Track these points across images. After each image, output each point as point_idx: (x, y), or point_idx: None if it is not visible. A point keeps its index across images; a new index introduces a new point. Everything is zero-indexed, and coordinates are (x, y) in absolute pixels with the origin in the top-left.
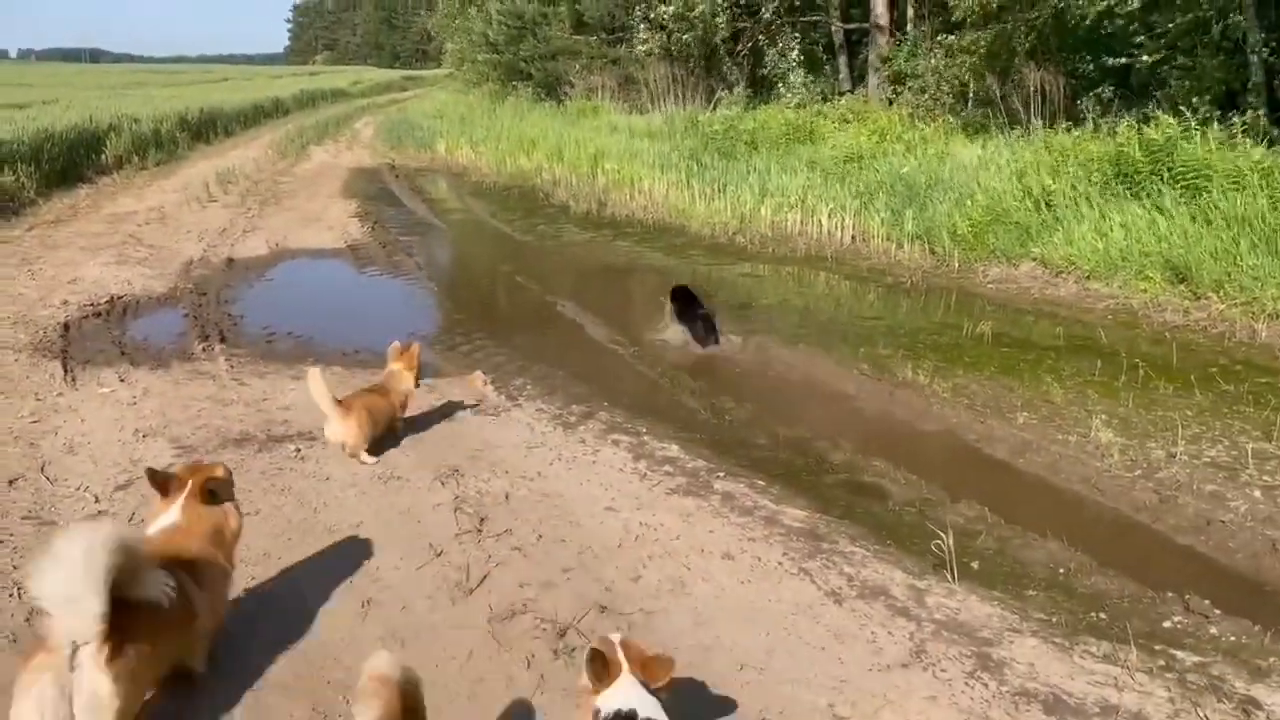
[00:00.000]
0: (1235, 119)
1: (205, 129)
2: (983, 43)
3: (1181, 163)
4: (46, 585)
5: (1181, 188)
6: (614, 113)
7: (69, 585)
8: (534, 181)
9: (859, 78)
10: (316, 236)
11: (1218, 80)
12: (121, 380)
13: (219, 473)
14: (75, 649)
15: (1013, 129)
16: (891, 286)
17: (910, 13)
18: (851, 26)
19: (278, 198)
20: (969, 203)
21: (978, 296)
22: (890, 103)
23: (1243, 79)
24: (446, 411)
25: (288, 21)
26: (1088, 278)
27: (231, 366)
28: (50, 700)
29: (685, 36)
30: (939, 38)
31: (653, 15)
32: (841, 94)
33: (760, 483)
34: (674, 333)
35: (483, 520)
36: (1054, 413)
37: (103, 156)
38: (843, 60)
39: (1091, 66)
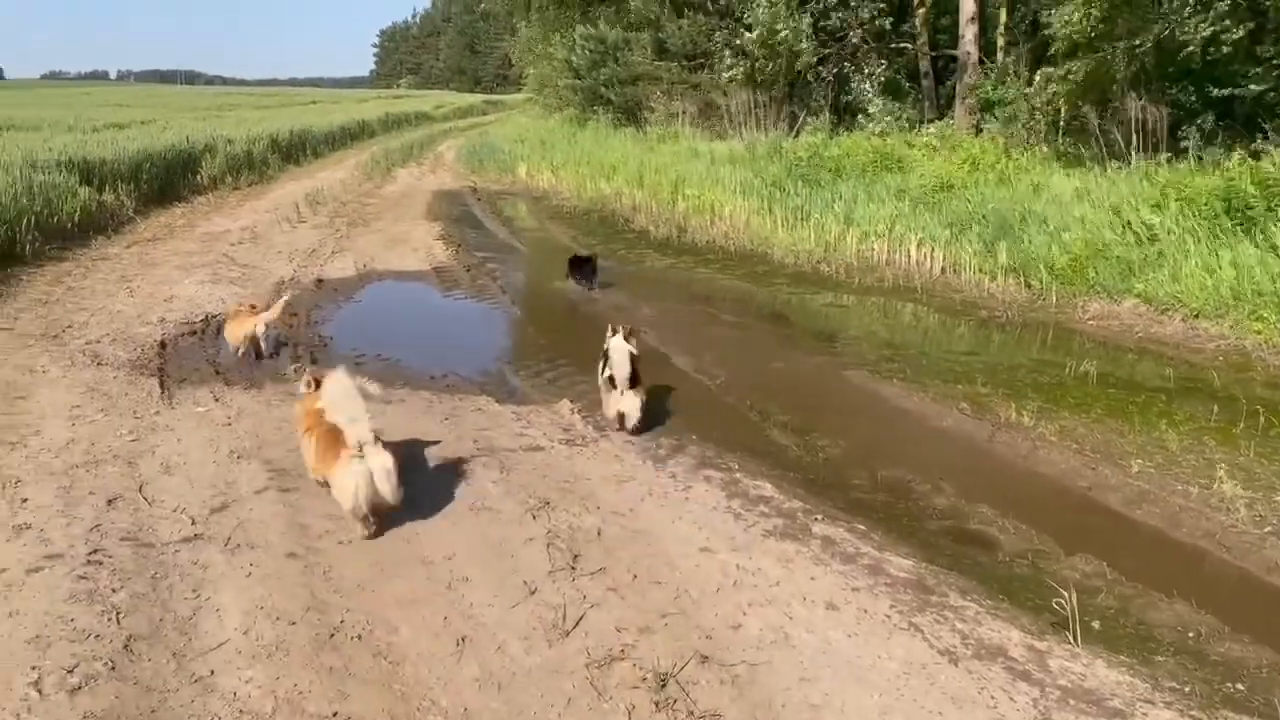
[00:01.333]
0: None
1: (295, 150)
2: (1081, 72)
3: None
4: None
5: None
6: (694, 138)
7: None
8: (613, 206)
9: (943, 106)
10: (402, 258)
11: None
12: (216, 400)
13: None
14: (361, 445)
15: (1111, 160)
16: (985, 320)
17: (1000, 41)
18: (938, 54)
19: (364, 219)
20: (1066, 236)
21: (1077, 333)
22: (978, 131)
23: None
24: (534, 440)
25: (374, 46)
26: (1195, 316)
27: None
28: (360, 473)
29: (771, 66)
30: (1037, 70)
31: (737, 41)
32: (927, 122)
33: (861, 527)
34: (570, 284)
35: (576, 557)
36: (1170, 461)
37: (198, 176)
38: (928, 88)
39: (1194, 97)
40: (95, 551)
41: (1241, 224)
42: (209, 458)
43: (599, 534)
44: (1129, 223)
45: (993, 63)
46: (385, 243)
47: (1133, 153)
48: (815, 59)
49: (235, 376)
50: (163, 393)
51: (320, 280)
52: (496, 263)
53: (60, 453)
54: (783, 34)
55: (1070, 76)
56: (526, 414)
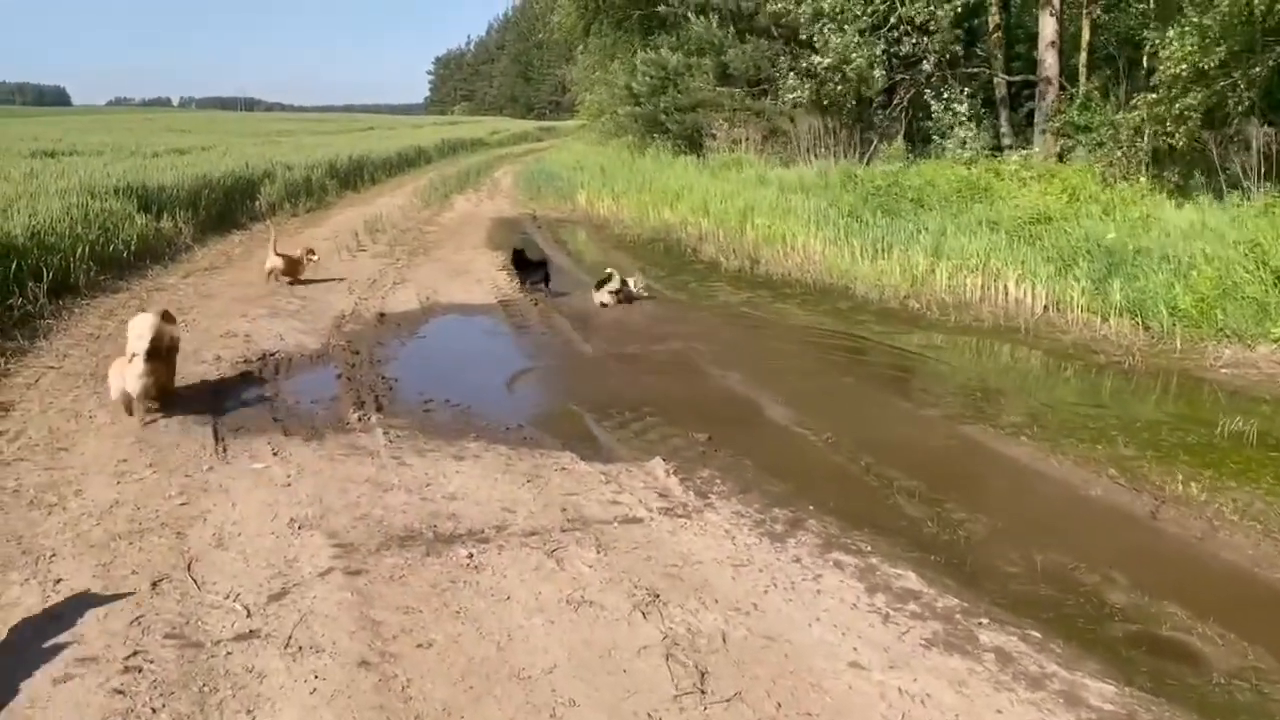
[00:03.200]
0: None
1: (353, 177)
2: (1198, 101)
3: None
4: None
5: None
6: (759, 165)
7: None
8: (678, 235)
9: (1019, 133)
10: (466, 290)
11: None
12: (274, 454)
13: None
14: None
15: (1231, 191)
16: (1103, 367)
17: (1082, 64)
18: (1014, 79)
19: (425, 248)
20: (1194, 274)
21: (1208, 382)
22: (1060, 158)
23: None
24: (629, 510)
25: (429, 73)
26: None
27: (390, 441)
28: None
29: (839, 88)
30: (1131, 94)
31: (804, 64)
32: (1003, 149)
33: (1035, 634)
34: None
35: (703, 676)
36: None
37: (257, 203)
38: (1005, 115)
39: None
40: (135, 654)
41: None
42: (266, 527)
43: (724, 640)
44: (1265, 260)
45: (1074, 87)
46: (447, 273)
47: (1258, 182)
48: (886, 85)
49: (294, 425)
50: (216, 444)
51: (383, 314)
52: (564, 296)
53: (102, 518)
54: (856, 61)
55: (1180, 106)
56: (616, 475)
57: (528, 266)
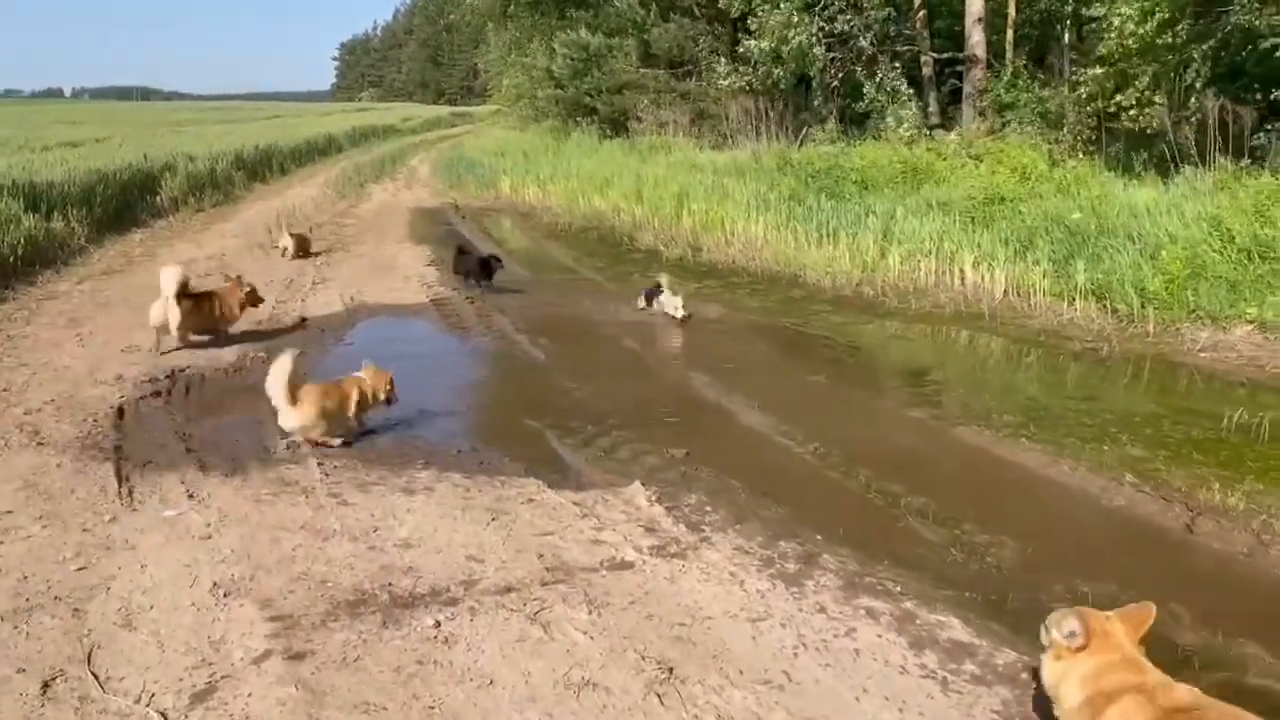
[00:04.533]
0: None
1: (261, 167)
2: (1147, 75)
3: None
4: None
5: None
6: (688, 148)
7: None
8: (611, 223)
9: (944, 111)
10: (393, 289)
11: None
12: (190, 496)
13: None
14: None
15: (1183, 166)
16: (1079, 354)
17: (1010, 35)
18: (940, 57)
19: (344, 242)
20: (1163, 254)
21: (1188, 367)
22: (990, 134)
23: None
24: (616, 551)
25: (334, 59)
26: None
27: (325, 474)
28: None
29: (776, 70)
30: (1082, 71)
31: (740, 50)
32: (930, 129)
33: None
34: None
35: None
36: None
37: (158, 198)
38: (931, 94)
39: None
40: None
41: None
42: (184, 596)
43: None
44: (1232, 238)
45: (1000, 65)
46: (371, 270)
47: (1211, 157)
48: (824, 64)
49: (212, 457)
50: (120, 487)
51: (304, 319)
52: (500, 292)
53: None
54: (795, 41)
55: (1133, 80)
56: (592, 506)
57: (480, 265)
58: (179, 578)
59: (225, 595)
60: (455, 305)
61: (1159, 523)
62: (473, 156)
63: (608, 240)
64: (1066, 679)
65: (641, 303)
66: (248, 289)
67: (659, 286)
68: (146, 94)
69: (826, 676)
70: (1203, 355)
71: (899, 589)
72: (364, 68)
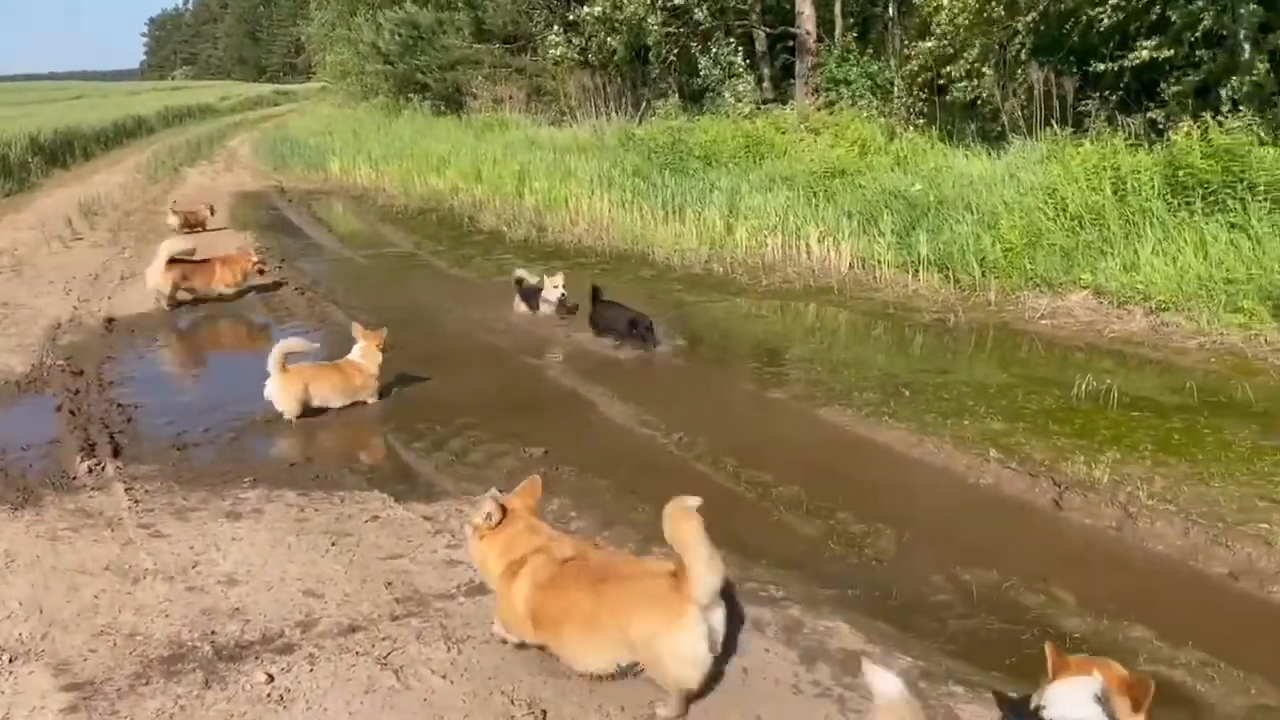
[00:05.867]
0: None
1: (61, 152)
2: (977, 47)
3: (1264, 172)
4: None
5: (1270, 201)
6: (526, 125)
7: None
8: (450, 203)
9: (777, 86)
10: None
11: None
12: None
13: None
14: None
15: (1014, 137)
16: (928, 325)
17: (839, 9)
18: (773, 32)
19: (156, 232)
20: (1002, 224)
21: (1030, 334)
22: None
23: None
24: (474, 572)
25: (143, 35)
26: (1162, 309)
27: (135, 501)
28: None
29: (610, 40)
30: (913, 44)
31: (571, 18)
32: (765, 103)
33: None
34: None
35: None
36: None
37: None
38: (765, 70)
39: (1100, 67)
40: None
41: (1186, 202)
42: None
43: None
44: (1064, 207)
45: (830, 40)
46: None
47: (1039, 126)
48: (660, 36)
49: None
50: None
51: (111, 319)
52: (332, 280)
53: None
54: (630, 9)
55: (963, 53)
56: (445, 520)
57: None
58: None
59: (11, 661)
60: (282, 296)
61: (1028, 499)
62: (298, 136)
63: (448, 222)
64: (489, 554)
65: (522, 307)
66: None
67: (521, 281)
68: None
69: (716, 705)
70: (1043, 322)
71: (781, 594)
72: (176, 44)
